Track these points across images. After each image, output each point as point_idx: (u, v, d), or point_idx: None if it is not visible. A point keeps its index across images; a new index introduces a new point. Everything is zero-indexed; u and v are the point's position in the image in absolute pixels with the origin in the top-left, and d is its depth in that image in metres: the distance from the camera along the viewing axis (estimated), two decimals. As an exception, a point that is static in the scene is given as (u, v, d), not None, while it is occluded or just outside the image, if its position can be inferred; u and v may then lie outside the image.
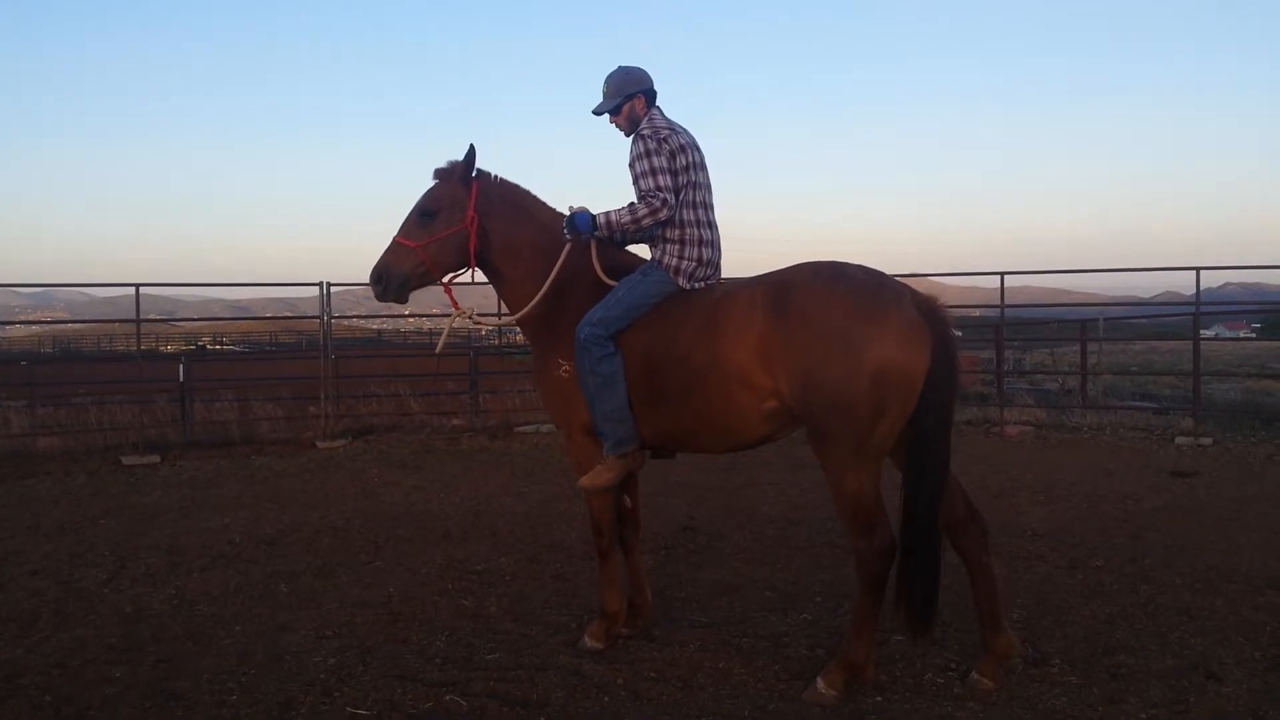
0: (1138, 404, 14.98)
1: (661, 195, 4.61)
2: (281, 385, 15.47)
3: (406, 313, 11.75)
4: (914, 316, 4.02)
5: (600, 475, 4.67)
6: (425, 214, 4.89)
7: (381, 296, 4.94)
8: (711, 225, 4.84)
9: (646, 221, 4.64)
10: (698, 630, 5.00)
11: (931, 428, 4.05)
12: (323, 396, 12.43)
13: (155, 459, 10.69)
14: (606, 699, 4.18)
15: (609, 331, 4.57)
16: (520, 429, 12.72)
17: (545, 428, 12.81)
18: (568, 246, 4.84)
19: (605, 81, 4.93)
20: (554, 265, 4.83)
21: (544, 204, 5.07)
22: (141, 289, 11.98)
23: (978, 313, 30.46)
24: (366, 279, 4.96)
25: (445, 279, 5.04)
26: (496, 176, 5.02)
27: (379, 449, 11.51)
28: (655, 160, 4.65)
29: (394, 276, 4.87)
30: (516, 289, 5.01)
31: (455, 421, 13.17)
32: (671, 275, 4.70)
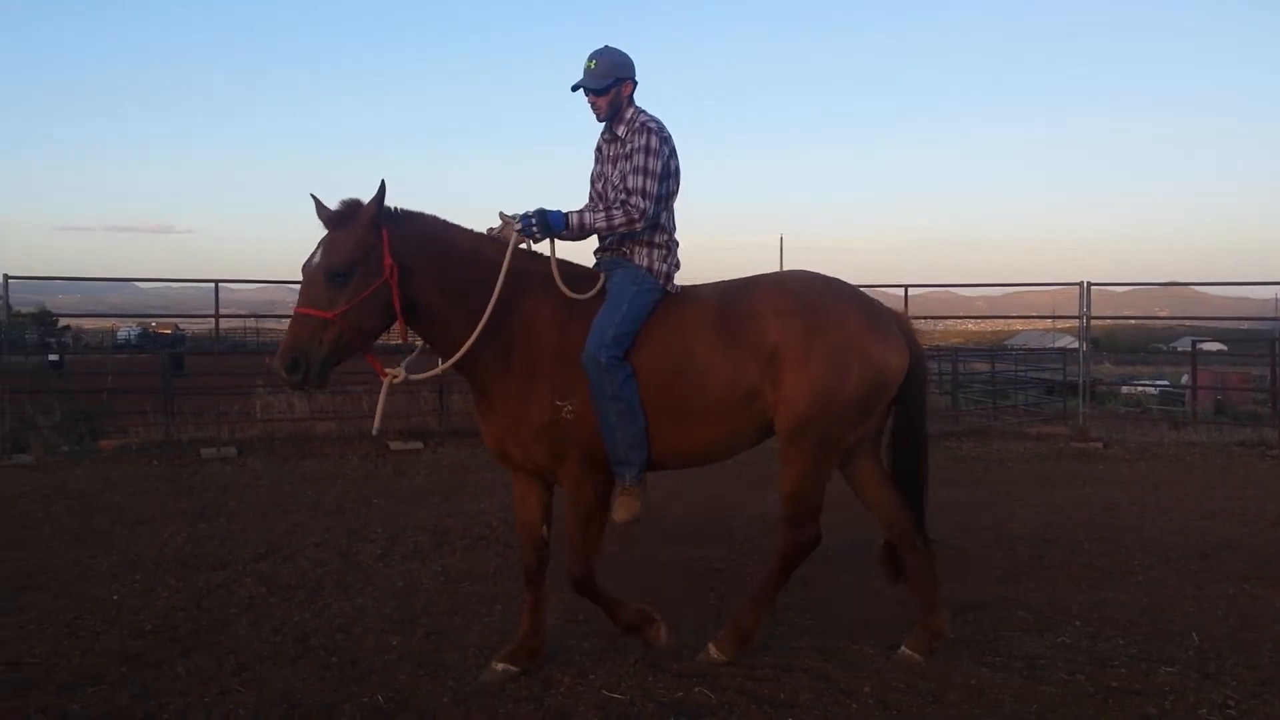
0: None
1: (644, 206, 4.42)
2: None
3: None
4: (897, 330, 4.58)
5: (632, 506, 4.41)
6: (336, 275, 4.04)
7: (301, 384, 4.07)
8: None
9: (621, 229, 4.47)
10: (944, 646, 4.89)
11: (915, 413, 4.74)
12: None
13: (418, 445, 11.50)
14: (854, 705, 4.17)
15: (624, 351, 4.29)
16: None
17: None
18: (503, 271, 4.27)
19: (594, 57, 4.55)
20: (492, 295, 4.25)
21: (461, 228, 4.47)
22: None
23: (1246, 325, 27.99)
24: (280, 368, 4.07)
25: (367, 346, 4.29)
26: (397, 208, 4.30)
27: (619, 445, 11.84)
28: (655, 163, 4.47)
29: (314, 358, 4.01)
30: (456, 332, 4.28)
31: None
32: (661, 282, 4.56)
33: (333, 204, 4.21)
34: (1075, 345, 16.75)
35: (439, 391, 13.62)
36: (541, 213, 4.40)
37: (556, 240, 4.51)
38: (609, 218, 4.43)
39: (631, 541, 7.12)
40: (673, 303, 4.54)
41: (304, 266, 4.15)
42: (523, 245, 4.48)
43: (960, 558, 6.63)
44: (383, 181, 4.13)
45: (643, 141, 4.47)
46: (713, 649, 4.63)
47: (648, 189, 4.44)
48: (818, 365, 4.31)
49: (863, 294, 4.71)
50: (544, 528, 4.64)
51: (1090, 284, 13.07)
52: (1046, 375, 22.38)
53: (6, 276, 10.88)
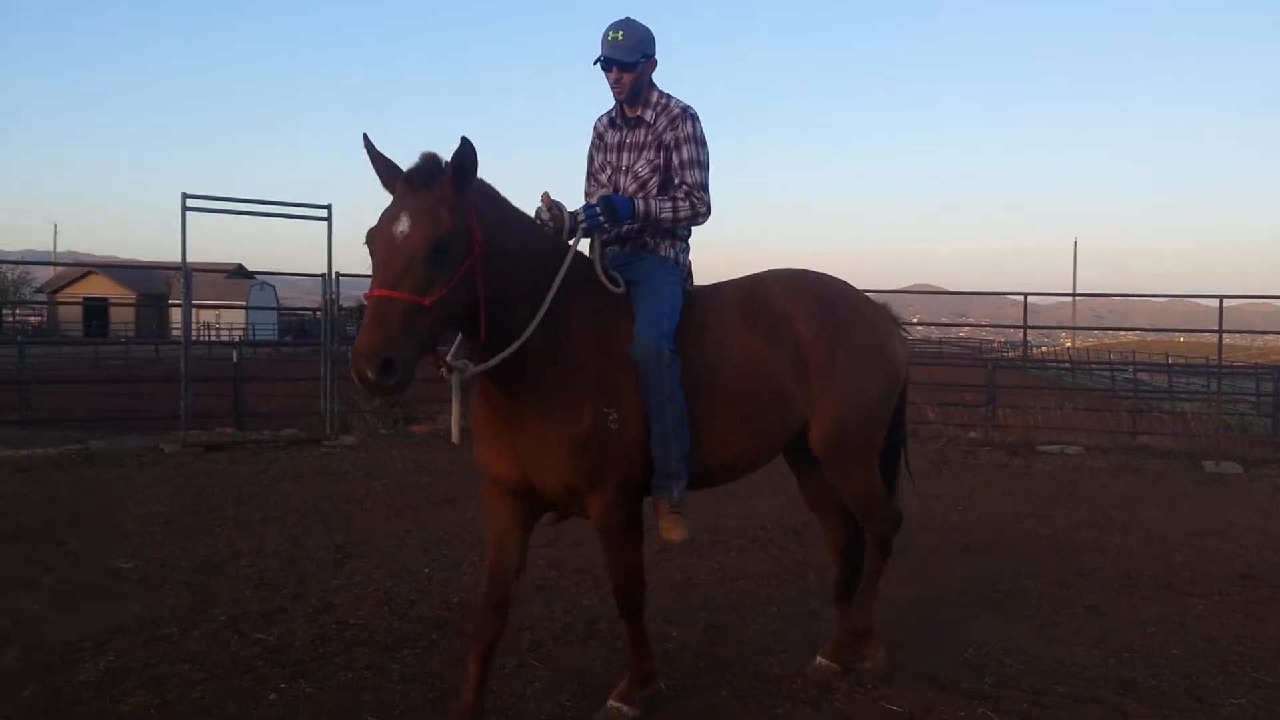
0: None
1: (708, 199, 4.11)
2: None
3: (915, 320, 11.74)
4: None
5: (684, 524, 3.85)
6: (438, 250, 3.20)
7: (392, 391, 3.10)
8: None
9: (684, 222, 4.10)
10: (1262, 691, 4.50)
11: (899, 410, 4.64)
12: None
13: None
14: (1154, 744, 3.93)
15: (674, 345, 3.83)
16: (1043, 448, 12.16)
17: (1071, 449, 12.12)
18: (564, 267, 3.70)
19: (621, 28, 4.02)
20: (551, 278, 3.67)
21: (518, 209, 3.81)
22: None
23: None
24: (367, 372, 3.04)
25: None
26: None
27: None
28: (705, 154, 4.12)
29: (409, 358, 3.13)
30: (511, 327, 3.54)
31: (972, 434, 12.92)
32: (685, 277, 4.22)
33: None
34: None
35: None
36: (607, 201, 3.91)
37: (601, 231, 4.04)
38: (675, 208, 4.04)
39: (910, 551, 6.98)
40: (696, 301, 4.13)
41: (380, 235, 3.27)
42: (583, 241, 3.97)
43: (1281, 597, 6.06)
44: (466, 138, 3.30)
45: (689, 130, 4.08)
46: (819, 658, 4.61)
47: (707, 183, 4.13)
48: (845, 368, 4.15)
49: (868, 298, 4.62)
50: (516, 578, 3.96)
51: None
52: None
53: (339, 274, 12.08)
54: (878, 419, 4.37)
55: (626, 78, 4.04)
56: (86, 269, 58.52)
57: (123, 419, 14.22)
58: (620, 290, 3.92)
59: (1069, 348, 48.67)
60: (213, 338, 40.99)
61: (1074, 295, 22.12)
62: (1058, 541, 7.44)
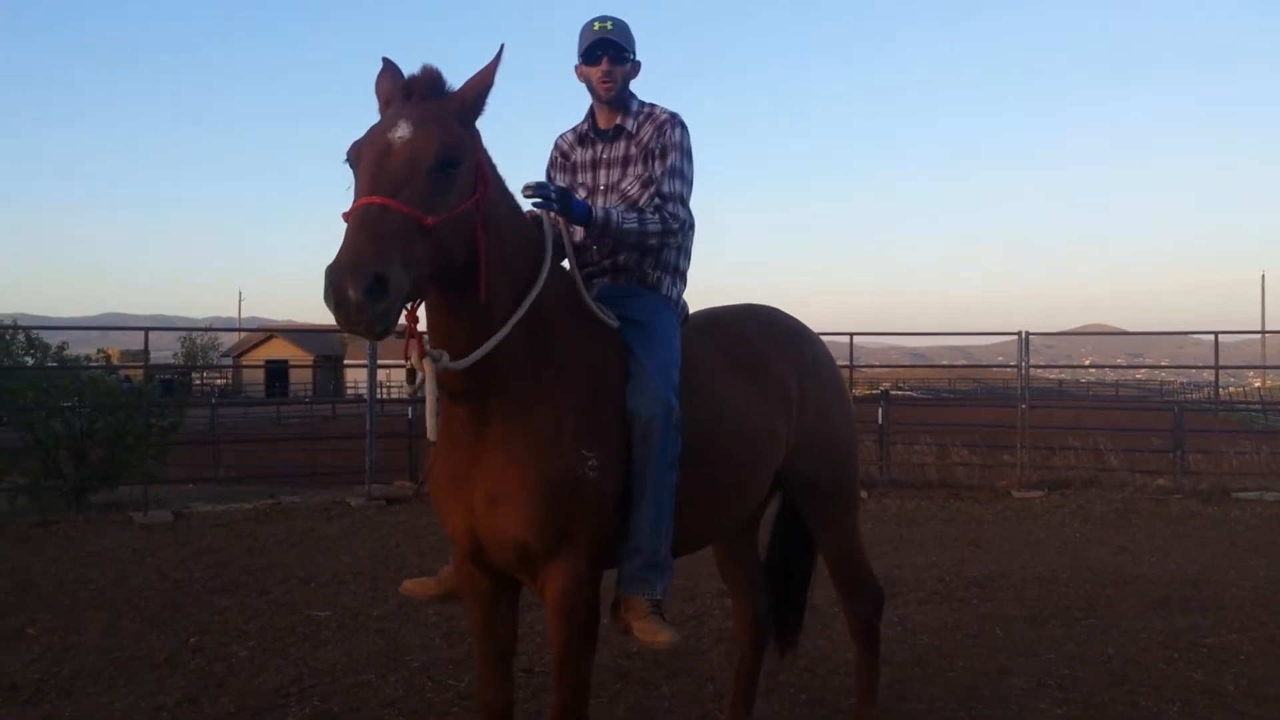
0: None
1: (684, 218, 3.44)
2: (973, 431, 15.74)
3: (1087, 362, 11.31)
4: None
5: (668, 626, 3.11)
6: (448, 164, 2.66)
7: (375, 323, 2.42)
8: None
9: (652, 241, 3.39)
10: None
11: None
12: (1019, 446, 12.40)
13: (863, 494, 11.58)
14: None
15: None
16: (1239, 494, 11.42)
17: (1269, 495, 11.35)
18: (548, 257, 3.12)
19: (608, 20, 3.45)
20: (531, 279, 3.05)
21: None
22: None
23: None
24: (349, 289, 2.38)
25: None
26: None
27: (1077, 503, 11.16)
28: (690, 169, 3.51)
29: (401, 285, 2.48)
30: (481, 315, 2.88)
31: (1160, 481, 12.26)
32: (682, 320, 3.63)
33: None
34: None
35: (880, 442, 13.65)
36: (564, 194, 3.16)
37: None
38: (642, 221, 3.33)
39: (1102, 604, 6.68)
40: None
41: (371, 142, 2.69)
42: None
43: None
44: (498, 59, 2.89)
45: (676, 138, 3.47)
46: None
47: (686, 197, 3.48)
48: (820, 407, 3.91)
49: None
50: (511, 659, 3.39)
51: None
52: None
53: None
54: (852, 460, 4.20)
55: (618, 71, 3.46)
56: (268, 333, 62.23)
57: (308, 475, 15.01)
58: (614, 325, 3.33)
59: (1259, 388, 45.62)
60: (383, 395, 42.74)
61: (1263, 332, 20.83)
62: (1263, 594, 6.98)
